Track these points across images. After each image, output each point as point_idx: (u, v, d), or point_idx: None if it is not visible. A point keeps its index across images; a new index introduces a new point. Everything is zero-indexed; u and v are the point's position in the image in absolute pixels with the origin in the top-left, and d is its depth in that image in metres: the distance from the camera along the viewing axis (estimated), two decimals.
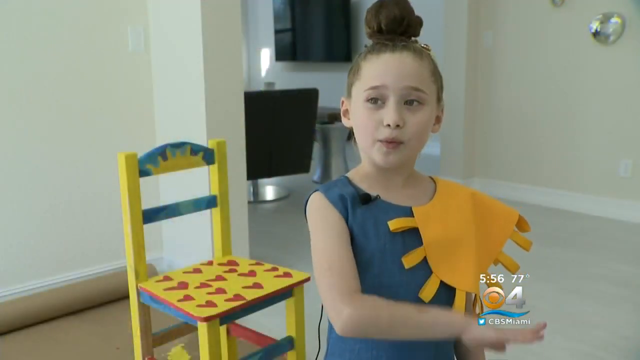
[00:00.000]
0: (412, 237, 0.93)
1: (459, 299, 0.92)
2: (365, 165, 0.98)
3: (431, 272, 0.92)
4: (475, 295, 0.95)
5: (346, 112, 1.00)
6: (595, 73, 3.98)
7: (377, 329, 0.83)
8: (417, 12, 0.96)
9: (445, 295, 0.92)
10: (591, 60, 3.99)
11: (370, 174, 0.97)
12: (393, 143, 0.91)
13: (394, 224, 0.91)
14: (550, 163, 4.30)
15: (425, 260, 0.92)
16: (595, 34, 3.92)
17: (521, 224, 1.01)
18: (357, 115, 0.95)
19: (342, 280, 0.85)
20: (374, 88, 0.91)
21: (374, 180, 0.97)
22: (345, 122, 1.00)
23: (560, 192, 4.23)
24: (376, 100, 0.91)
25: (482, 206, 0.99)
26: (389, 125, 0.90)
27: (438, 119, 0.98)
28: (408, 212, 0.94)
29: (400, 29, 0.93)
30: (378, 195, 0.94)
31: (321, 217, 0.93)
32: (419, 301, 0.91)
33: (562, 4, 4.06)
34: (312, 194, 0.97)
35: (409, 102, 0.91)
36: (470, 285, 0.93)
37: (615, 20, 3.81)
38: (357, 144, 0.98)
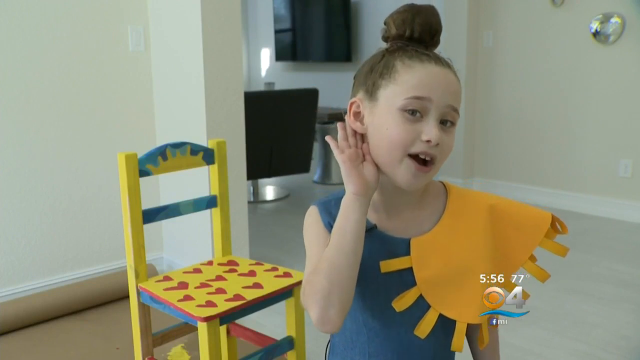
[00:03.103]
0: (410, 272, 0.88)
1: (459, 332, 0.87)
2: None
3: (429, 305, 0.87)
4: (481, 325, 0.90)
5: (358, 115, 0.89)
6: (595, 73, 3.98)
7: (322, 286, 0.79)
8: None
9: (444, 327, 0.88)
10: (591, 60, 3.99)
11: (375, 191, 0.89)
12: (427, 166, 0.84)
13: (386, 267, 0.87)
14: (550, 163, 4.30)
15: (421, 296, 0.87)
16: (595, 34, 3.92)
17: (556, 227, 0.92)
18: (385, 124, 0.84)
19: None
20: (418, 98, 0.82)
21: (377, 200, 0.90)
22: (357, 127, 0.89)
23: (560, 192, 4.24)
24: (415, 111, 0.83)
25: (504, 218, 0.91)
26: (428, 141, 0.82)
27: None
28: (407, 244, 0.88)
29: (429, 40, 0.88)
30: (374, 225, 0.89)
31: (315, 233, 0.90)
32: (415, 337, 0.88)
33: (562, 4, 4.07)
34: (311, 207, 0.93)
35: (443, 122, 0.84)
36: (473, 316, 0.87)
37: (615, 20, 3.81)
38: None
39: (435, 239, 0.89)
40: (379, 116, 0.86)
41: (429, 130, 0.82)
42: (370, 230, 0.88)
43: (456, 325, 0.87)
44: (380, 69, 0.87)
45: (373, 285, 0.88)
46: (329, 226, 0.88)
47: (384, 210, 0.91)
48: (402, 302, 0.86)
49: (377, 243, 0.88)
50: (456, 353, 0.97)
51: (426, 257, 0.88)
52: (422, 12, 0.86)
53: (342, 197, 0.86)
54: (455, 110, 0.85)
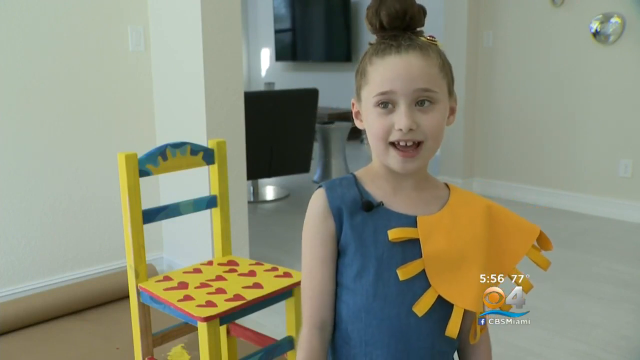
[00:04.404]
0: (413, 248, 0.90)
1: (456, 316, 0.89)
2: (375, 166, 0.96)
3: (429, 285, 0.89)
4: (476, 315, 0.92)
5: (358, 114, 0.97)
6: (595, 73, 3.98)
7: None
8: None
9: (442, 311, 0.90)
10: (591, 60, 3.99)
11: (381, 175, 0.95)
12: (409, 151, 0.89)
13: (394, 234, 0.89)
14: (550, 163, 4.30)
15: (423, 272, 0.89)
16: (595, 34, 3.92)
17: (542, 241, 0.96)
18: (368, 120, 0.92)
19: (316, 312, 0.94)
20: (382, 94, 0.88)
21: (384, 182, 0.95)
22: (358, 124, 0.97)
23: (560, 192, 4.24)
24: (386, 104, 0.88)
25: (498, 220, 0.95)
26: (401, 129, 0.87)
27: (452, 110, 0.95)
28: (412, 222, 0.91)
29: (403, 24, 0.89)
30: (381, 202, 0.92)
31: (313, 228, 0.94)
32: (413, 314, 0.89)
33: (562, 4, 4.07)
34: (317, 189, 0.95)
35: (420, 102, 0.88)
36: (470, 303, 0.89)
37: (615, 20, 3.81)
38: (369, 145, 0.95)
39: (441, 221, 0.92)
40: (365, 114, 0.93)
41: (399, 119, 0.88)
42: (377, 207, 0.92)
43: (453, 309, 0.89)
44: (360, 71, 0.94)
45: (376, 261, 0.90)
46: (337, 210, 0.92)
47: (390, 189, 0.94)
48: (407, 270, 0.88)
49: (384, 219, 0.91)
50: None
51: (432, 235, 0.91)
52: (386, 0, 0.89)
53: (348, 178, 0.95)
54: (429, 90, 0.88)
